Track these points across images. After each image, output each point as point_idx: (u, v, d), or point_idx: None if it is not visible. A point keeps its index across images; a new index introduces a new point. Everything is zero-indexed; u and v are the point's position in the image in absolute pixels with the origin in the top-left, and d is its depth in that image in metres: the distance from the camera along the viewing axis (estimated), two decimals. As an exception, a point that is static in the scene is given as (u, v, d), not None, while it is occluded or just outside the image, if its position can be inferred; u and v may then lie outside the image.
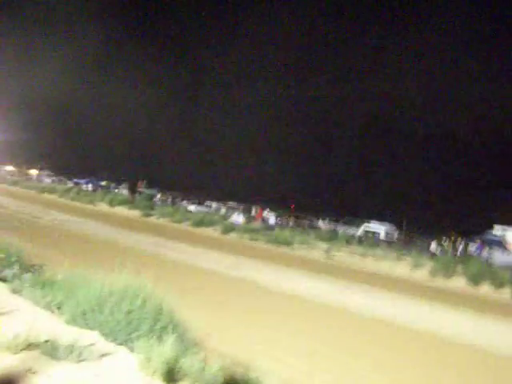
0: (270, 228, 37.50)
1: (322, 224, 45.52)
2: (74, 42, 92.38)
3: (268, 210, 47.41)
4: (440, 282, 22.21)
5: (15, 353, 4.90)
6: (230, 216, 43.29)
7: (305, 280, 18.67)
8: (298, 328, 11.62)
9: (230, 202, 53.47)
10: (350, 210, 49.38)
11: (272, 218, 44.53)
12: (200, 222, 37.52)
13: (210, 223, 37.29)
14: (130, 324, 6.26)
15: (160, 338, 5.85)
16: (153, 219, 40.65)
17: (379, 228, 37.69)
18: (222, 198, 56.30)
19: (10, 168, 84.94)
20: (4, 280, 8.41)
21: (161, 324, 6.42)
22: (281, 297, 15.00)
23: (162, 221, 39.76)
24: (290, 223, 45.10)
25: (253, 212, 47.47)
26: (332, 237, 33.27)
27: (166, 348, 5.40)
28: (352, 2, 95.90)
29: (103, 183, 68.83)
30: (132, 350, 5.80)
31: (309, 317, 12.99)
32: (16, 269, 8.96)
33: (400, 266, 24.75)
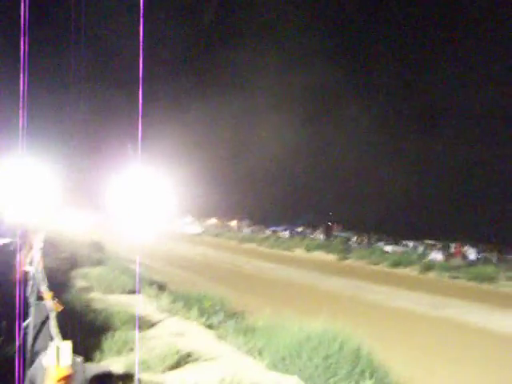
0: (471, 264, 35.34)
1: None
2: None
3: (468, 245, 44.82)
4: None
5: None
6: (427, 254, 41.72)
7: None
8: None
9: (428, 240, 51.40)
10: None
11: (473, 254, 41.95)
12: (397, 263, 36.75)
13: (408, 263, 36.33)
14: (329, 368, 6.29)
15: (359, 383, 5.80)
16: (349, 262, 40.59)
17: None
18: (418, 236, 54.35)
19: (213, 221, 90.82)
20: (211, 327, 8.99)
21: (359, 368, 6.36)
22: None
23: (358, 263, 39.53)
24: (494, 258, 42.03)
25: (452, 249, 45.21)
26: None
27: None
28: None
29: (299, 229, 70.36)
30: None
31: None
32: (221, 316, 9.53)
33: None
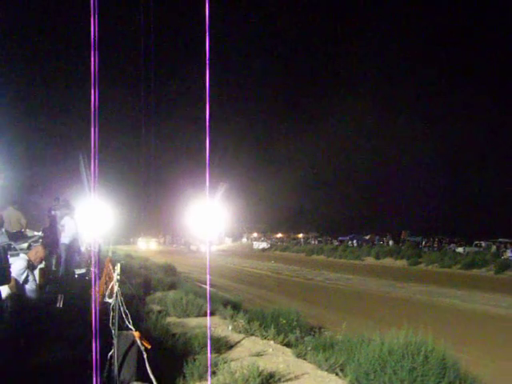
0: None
1: None
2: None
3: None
4: None
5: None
6: (502, 253, 40.32)
7: None
8: None
9: (501, 239, 49.54)
10: None
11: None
12: (471, 264, 35.74)
13: (482, 263, 35.25)
14: (415, 382, 6.10)
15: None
16: (421, 267, 39.79)
17: None
18: (491, 235, 52.52)
19: (279, 235, 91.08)
20: (289, 345, 8.91)
21: (447, 380, 6.13)
22: None
23: (430, 268, 38.69)
24: None
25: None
26: None
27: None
28: None
29: (367, 237, 69.61)
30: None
31: None
32: (297, 333, 9.44)
33: None
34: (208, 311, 10.60)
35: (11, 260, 8.75)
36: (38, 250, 8.92)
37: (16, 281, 8.33)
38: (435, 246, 55.30)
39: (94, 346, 4.25)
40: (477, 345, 11.81)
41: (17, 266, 8.54)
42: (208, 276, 19.85)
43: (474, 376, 6.43)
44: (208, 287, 13.27)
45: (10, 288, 8.19)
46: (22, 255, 8.86)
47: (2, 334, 5.92)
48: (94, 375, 4.30)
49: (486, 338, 13.16)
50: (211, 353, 7.33)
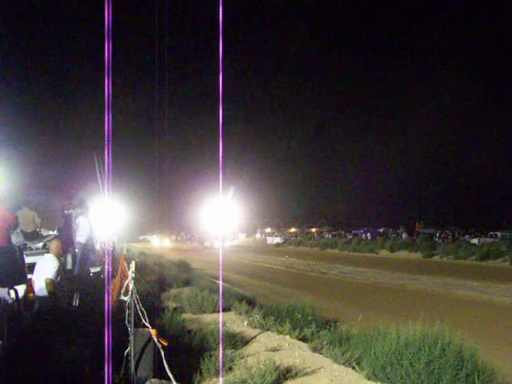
0: None
1: None
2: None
3: None
4: None
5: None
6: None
7: None
8: None
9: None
10: None
11: None
12: (486, 255, 35.54)
13: (497, 254, 35.01)
14: (432, 374, 6.07)
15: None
16: (435, 259, 39.62)
17: None
18: (506, 225, 52.17)
19: (292, 230, 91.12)
20: (304, 339, 8.91)
21: (464, 372, 6.10)
22: None
23: (445, 259, 38.52)
24: None
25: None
26: None
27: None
28: None
29: (381, 230, 69.44)
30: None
31: None
32: (313, 327, 9.43)
33: None
34: (220, 307, 10.61)
35: (41, 261, 8.86)
36: (57, 244, 9.04)
37: (52, 281, 8.44)
38: (449, 237, 55.03)
39: (107, 343, 4.28)
40: (494, 336, 11.74)
41: (51, 266, 8.63)
42: (221, 271, 19.90)
43: (491, 368, 6.37)
44: (221, 282, 13.28)
45: (48, 286, 8.30)
46: (49, 255, 8.92)
47: (22, 333, 5.97)
48: (107, 372, 4.32)
49: (503, 329, 13.08)
50: (228, 348, 7.35)
